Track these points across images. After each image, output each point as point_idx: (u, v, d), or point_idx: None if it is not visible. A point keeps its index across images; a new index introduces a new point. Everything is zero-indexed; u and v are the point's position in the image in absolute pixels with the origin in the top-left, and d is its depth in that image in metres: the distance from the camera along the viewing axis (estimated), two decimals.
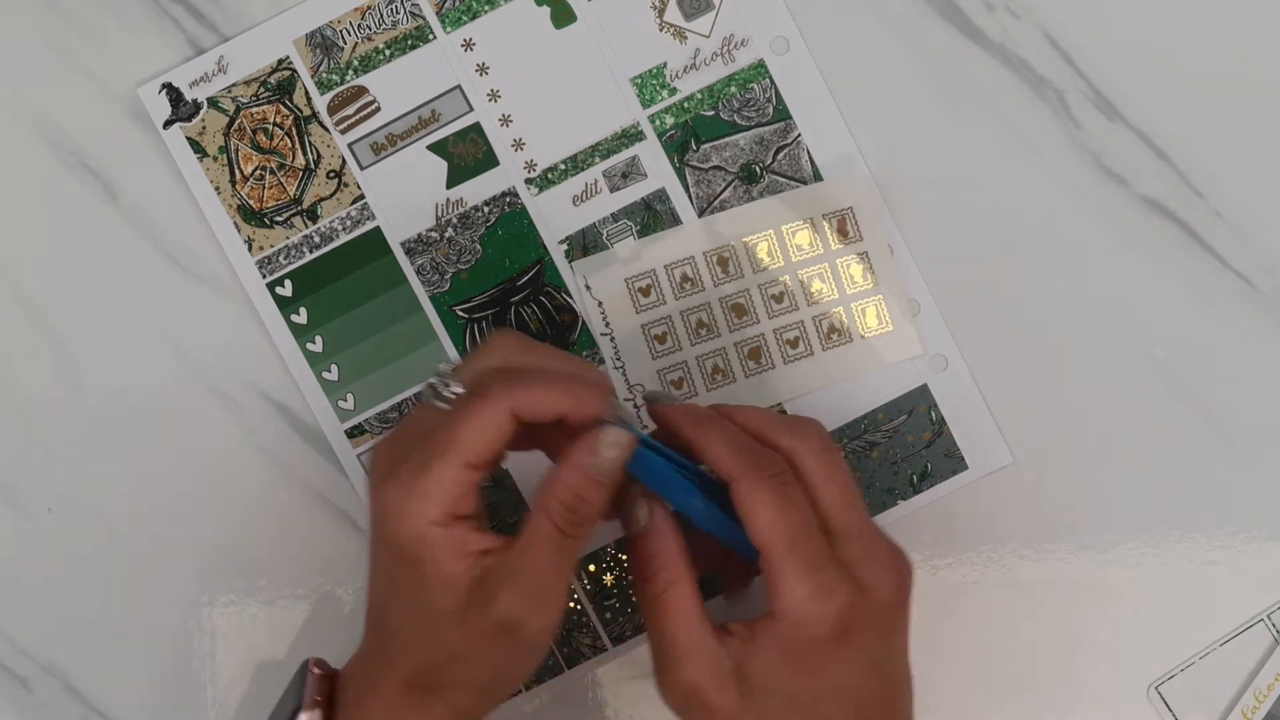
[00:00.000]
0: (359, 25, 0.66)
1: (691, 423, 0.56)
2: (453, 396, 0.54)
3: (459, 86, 0.66)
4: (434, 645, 0.54)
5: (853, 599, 0.54)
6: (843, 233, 0.66)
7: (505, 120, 0.66)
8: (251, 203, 0.67)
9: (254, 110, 0.67)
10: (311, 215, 0.67)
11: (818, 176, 0.66)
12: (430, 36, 0.66)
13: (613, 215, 0.67)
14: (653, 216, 0.67)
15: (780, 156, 0.66)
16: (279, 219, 0.67)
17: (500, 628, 0.53)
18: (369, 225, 0.67)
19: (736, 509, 0.55)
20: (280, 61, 0.67)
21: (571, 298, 0.67)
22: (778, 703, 0.55)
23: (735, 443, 0.56)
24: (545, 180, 0.67)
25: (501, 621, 0.53)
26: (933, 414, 0.66)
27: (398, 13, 0.66)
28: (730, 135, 0.66)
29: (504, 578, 0.53)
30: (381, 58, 0.66)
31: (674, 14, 0.66)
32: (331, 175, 0.67)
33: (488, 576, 0.53)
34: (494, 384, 0.53)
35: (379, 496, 0.54)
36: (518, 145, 0.67)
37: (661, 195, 0.67)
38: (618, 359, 0.66)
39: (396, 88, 0.66)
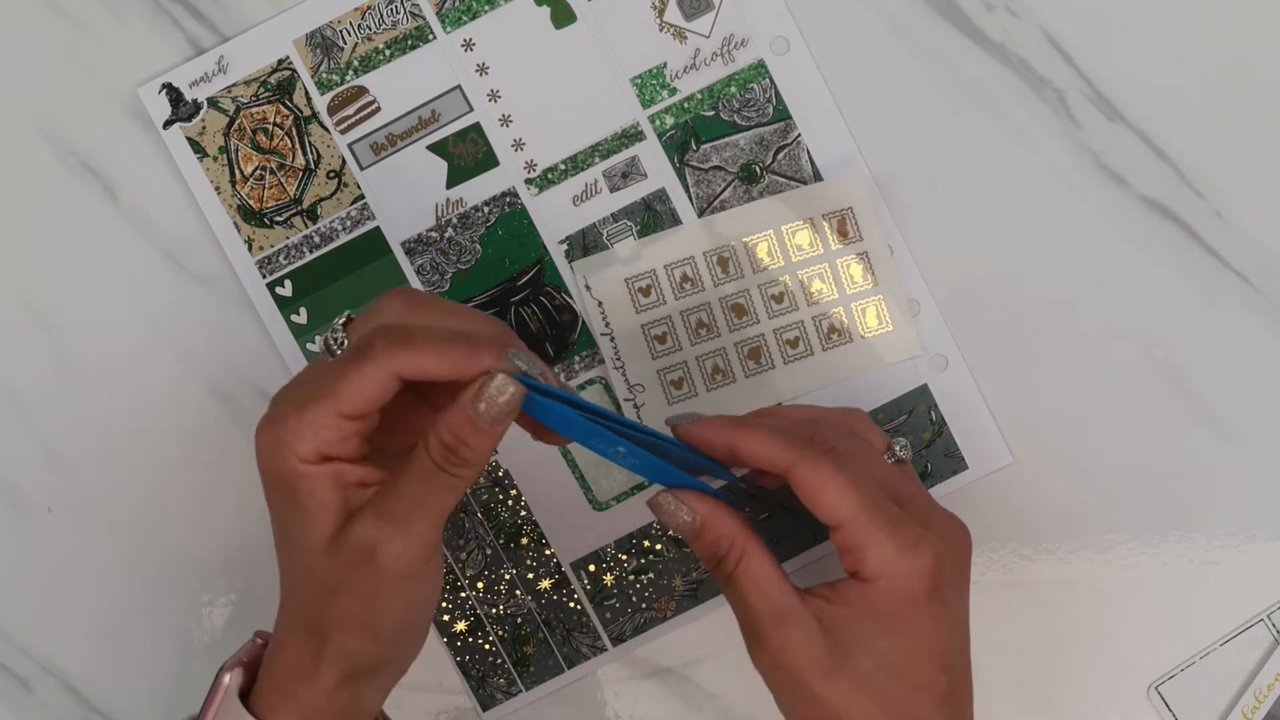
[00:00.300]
0: (359, 25, 0.66)
1: (727, 430, 0.56)
2: (339, 352, 0.55)
3: (459, 86, 0.66)
4: (311, 584, 0.54)
5: (940, 551, 0.54)
6: (843, 233, 0.66)
7: (505, 120, 0.66)
8: (251, 203, 0.67)
9: (254, 110, 0.67)
10: (311, 215, 0.67)
11: (818, 176, 0.66)
12: (430, 36, 0.66)
13: (613, 215, 0.67)
14: (653, 216, 0.67)
15: (780, 156, 0.66)
16: (279, 219, 0.67)
17: (360, 550, 0.53)
18: (369, 225, 0.67)
19: (800, 495, 0.54)
20: (280, 61, 0.67)
21: (571, 298, 0.67)
22: (871, 665, 0.54)
23: (779, 433, 0.56)
24: (545, 180, 0.67)
25: (360, 543, 0.53)
26: (933, 414, 0.66)
27: (398, 13, 0.66)
28: (730, 135, 0.66)
29: (369, 501, 0.53)
30: (381, 58, 0.66)
31: (674, 14, 0.66)
32: (331, 175, 0.67)
33: (360, 505, 0.53)
34: (379, 344, 0.53)
35: (258, 436, 0.54)
36: (518, 145, 0.67)
37: (661, 195, 0.67)
38: (618, 359, 0.66)
39: (396, 88, 0.66)
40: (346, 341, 0.55)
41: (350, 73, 0.66)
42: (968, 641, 0.57)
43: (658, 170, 0.66)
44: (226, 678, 0.57)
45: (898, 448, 0.58)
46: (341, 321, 0.55)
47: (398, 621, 0.55)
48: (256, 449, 0.54)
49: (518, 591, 0.67)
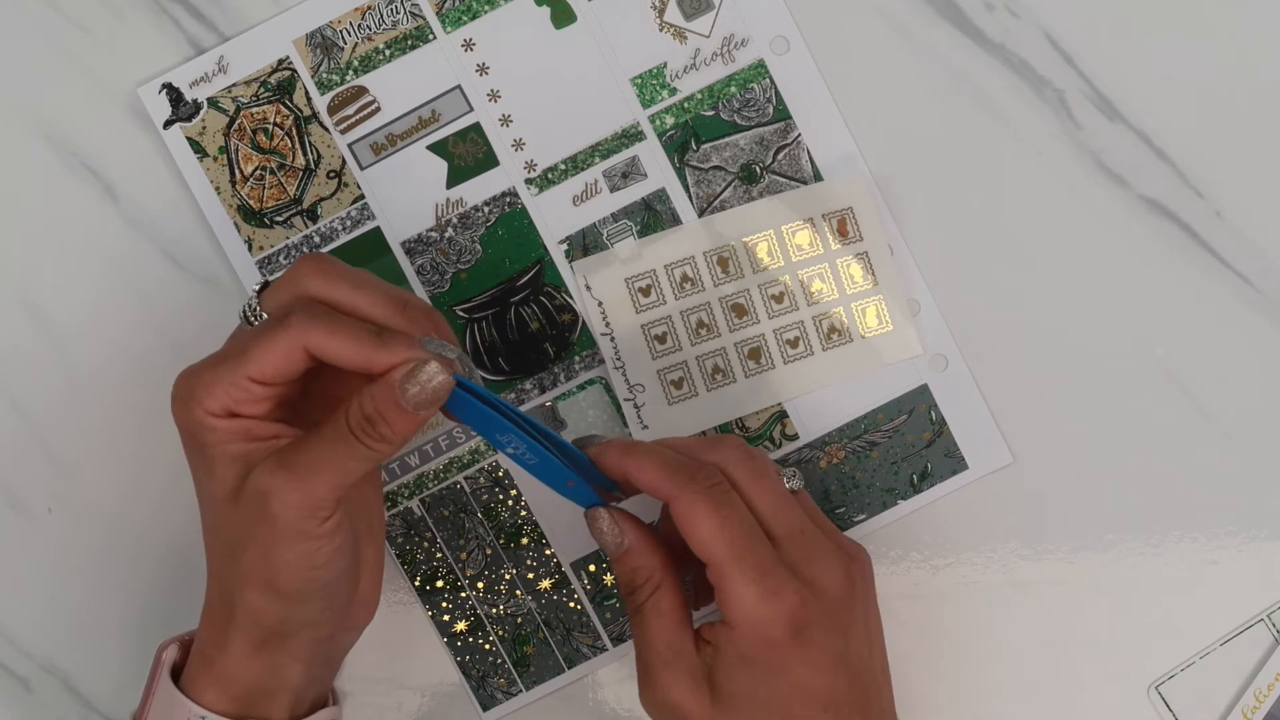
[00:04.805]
0: (359, 25, 0.66)
1: (621, 453, 0.57)
2: (256, 322, 0.56)
3: (459, 86, 0.66)
4: (220, 540, 0.55)
5: (802, 598, 0.55)
6: (843, 233, 0.66)
7: (505, 120, 0.66)
8: (251, 203, 0.67)
9: (254, 110, 0.67)
10: (311, 215, 0.67)
11: (818, 176, 0.66)
12: (430, 36, 0.66)
13: (613, 215, 0.67)
14: (653, 216, 0.67)
15: (780, 156, 0.66)
16: (279, 219, 0.67)
17: (255, 498, 0.53)
18: (369, 225, 0.67)
19: (678, 526, 0.56)
20: (280, 61, 0.67)
21: (571, 298, 0.67)
22: (748, 707, 0.55)
23: (667, 463, 0.57)
24: (545, 180, 0.67)
25: (255, 490, 0.53)
26: (933, 414, 0.66)
27: (398, 13, 0.66)
28: (730, 135, 0.66)
29: (276, 452, 0.53)
30: (381, 58, 0.66)
31: (674, 14, 0.66)
32: (331, 175, 0.67)
33: (268, 454, 0.54)
34: (296, 316, 0.54)
35: (173, 387, 0.55)
36: (518, 145, 0.67)
37: (661, 195, 0.67)
38: (618, 359, 0.66)
39: (396, 88, 0.66)
40: (260, 309, 0.56)
41: (350, 73, 0.66)
42: (863, 679, 0.57)
43: (658, 170, 0.66)
44: (164, 654, 0.58)
45: (785, 479, 0.59)
46: (256, 288, 0.56)
47: (297, 579, 0.54)
48: (171, 400, 0.55)
49: (518, 591, 0.67)
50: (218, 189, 0.67)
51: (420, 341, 0.53)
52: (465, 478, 0.67)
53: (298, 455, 0.53)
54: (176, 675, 0.58)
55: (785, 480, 0.59)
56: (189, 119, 0.67)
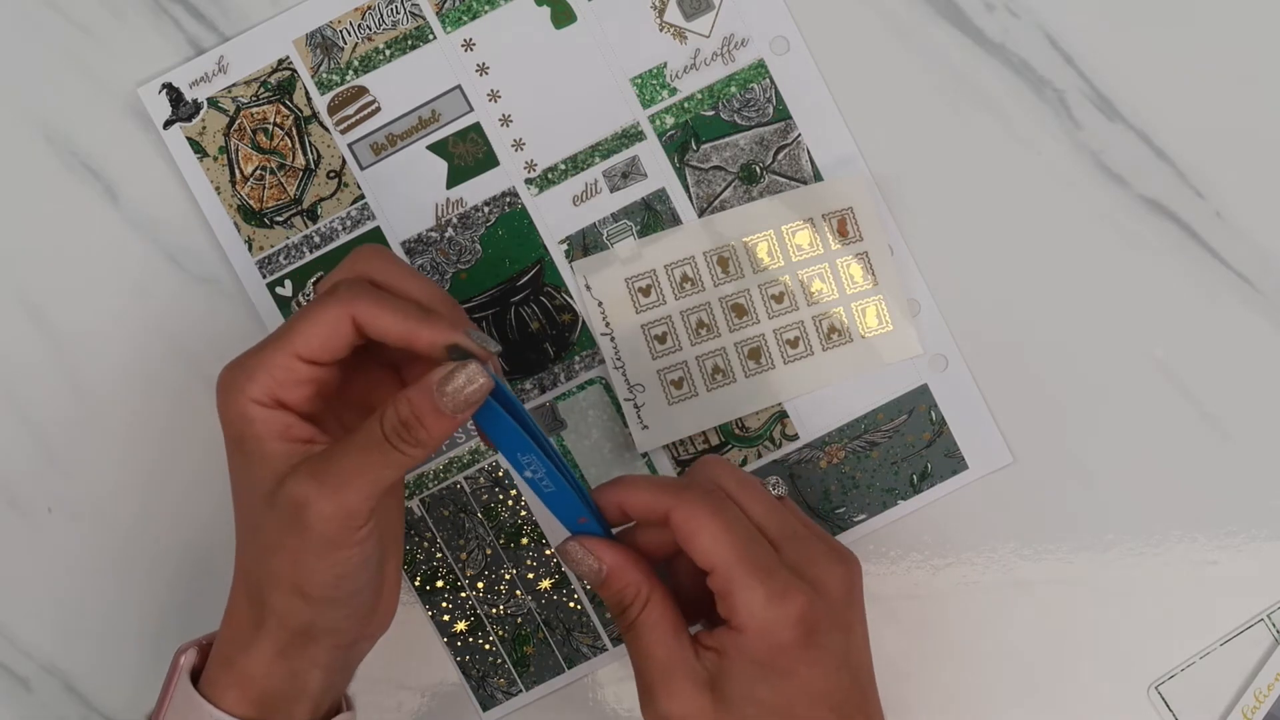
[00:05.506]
0: (359, 25, 0.66)
1: (613, 489, 0.57)
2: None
3: (459, 86, 0.67)
4: (253, 540, 0.55)
5: (810, 598, 0.55)
6: (843, 233, 0.66)
7: (505, 120, 0.66)
8: (251, 203, 0.67)
9: (254, 110, 0.67)
10: (312, 215, 0.67)
11: (818, 176, 0.66)
12: (430, 36, 0.66)
13: (613, 215, 0.67)
14: (653, 216, 0.67)
15: (780, 156, 0.66)
16: (279, 219, 0.67)
17: (289, 507, 0.53)
18: (369, 225, 0.67)
19: (678, 537, 0.55)
20: (280, 61, 0.67)
21: (571, 298, 0.67)
22: (754, 711, 0.55)
23: (657, 481, 0.57)
24: (545, 180, 0.67)
25: (290, 499, 0.53)
26: (933, 414, 0.66)
27: (398, 13, 0.66)
28: (730, 135, 0.66)
29: (308, 459, 0.53)
30: (381, 58, 0.66)
31: (674, 14, 0.66)
32: (331, 175, 0.67)
33: (300, 462, 0.53)
34: (341, 288, 0.54)
35: (218, 378, 0.55)
36: (518, 145, 0.67)
37: (661, 195, 0.67)
38: (618, 359, 0.66)
39: (396, 88, 0.66)
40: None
41: (350, 73, 0.66)
42: (861, 680, 0.57)
43: (658, 170, 0.66)
44: (182, 658, 0.57)
45: (770, 487, 0.59)
46: (313, 281, 0.57)
47: (326, 587, 0.54)
48: (216, 393, 0.55)
49: (518, 591, 0.67)
50: (218, 189, 0.67)
51: (467, 331, 0.53)
52: (465, 478, 0.67)
53: (331, 464, 0.53)
54: (195, 679, 0.57)
55: (771, 489, 0.59)
56: (189, 119, 0.67)
